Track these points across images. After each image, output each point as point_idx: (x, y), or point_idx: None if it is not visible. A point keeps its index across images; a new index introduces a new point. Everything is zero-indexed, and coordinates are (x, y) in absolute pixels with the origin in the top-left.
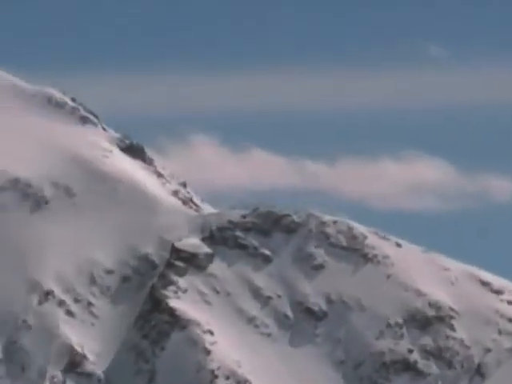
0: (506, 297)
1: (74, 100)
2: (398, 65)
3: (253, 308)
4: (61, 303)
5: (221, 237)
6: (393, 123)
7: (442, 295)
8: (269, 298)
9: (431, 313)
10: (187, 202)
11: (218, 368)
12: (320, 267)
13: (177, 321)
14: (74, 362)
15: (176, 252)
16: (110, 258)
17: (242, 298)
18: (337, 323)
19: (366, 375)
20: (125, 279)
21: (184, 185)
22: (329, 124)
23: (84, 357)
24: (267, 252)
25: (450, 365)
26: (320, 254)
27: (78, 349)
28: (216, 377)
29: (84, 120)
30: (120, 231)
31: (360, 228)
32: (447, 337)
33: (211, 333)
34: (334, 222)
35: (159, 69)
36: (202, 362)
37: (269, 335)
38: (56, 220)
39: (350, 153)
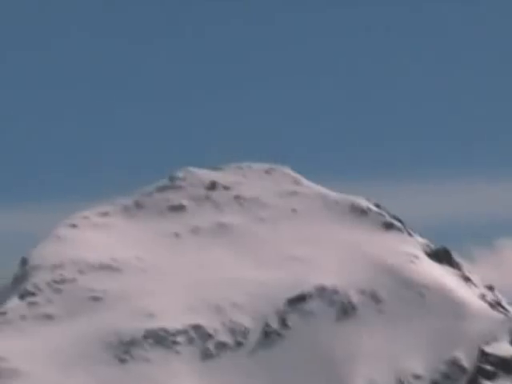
0: None
1: (378, 206)
2: None
3: None
4: None
5: None
6: None
7: None
8: None
9: None
10: (495, 305)
11: None
12: None
13: None
14: None
15: (485, 356)
16: (419, 363)
17: None
18: None
19: None
20: None
21: (491, 288)
22: None
23: None
24: None
25: None
26: None
27: None
28: None
29: (389, 226)
30: (428, 336)
31: None
32: None
33: None
34: None
35: (459, 173)
36: None
37: None
38: (364, 327)
39: None
